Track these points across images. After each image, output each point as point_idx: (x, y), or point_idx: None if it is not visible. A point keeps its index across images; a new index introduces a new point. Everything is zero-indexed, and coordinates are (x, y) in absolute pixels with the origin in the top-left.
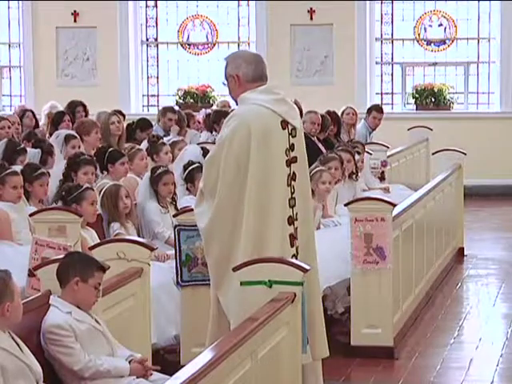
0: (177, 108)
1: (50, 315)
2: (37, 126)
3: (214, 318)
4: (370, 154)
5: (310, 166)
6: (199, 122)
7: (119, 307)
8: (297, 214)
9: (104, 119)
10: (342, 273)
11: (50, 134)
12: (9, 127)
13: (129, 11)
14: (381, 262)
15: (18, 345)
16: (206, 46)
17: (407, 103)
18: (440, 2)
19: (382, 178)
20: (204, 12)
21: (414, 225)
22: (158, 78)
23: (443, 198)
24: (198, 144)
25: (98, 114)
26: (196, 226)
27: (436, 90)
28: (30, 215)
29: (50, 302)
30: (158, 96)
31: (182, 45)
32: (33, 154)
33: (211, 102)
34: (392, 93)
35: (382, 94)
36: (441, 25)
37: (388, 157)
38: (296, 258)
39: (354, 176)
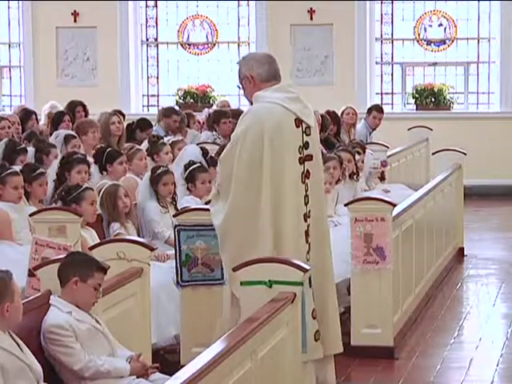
0: (177, 108)
1: (50, 315)
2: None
3: (226, 312)
4: (371, 154)
5: None
6: (199, 122)
7: (119, 307)
8: (310, 211)
9: (104, 119)
10: (342, 273)
11: (50, 134)
12: (9, 127)
13: (129, 11)
14: (381, 262)
15: (18, 345)
16: (206, 46)
17: (407, 103)
18: (440, 2)
19: (382, 178)
20: (204, 12)
21: (414, 225)
22: (158, 77)
23: (443, 198)
24: (198, 144)
25: (101, 114)
26: (196, 226)
27: (436, 89)
28: (30, 215)
29: (50, 301)
30: (158, 96)
31: (182, 45)
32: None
33: (211, 102)
34: (392, 93)
35: (382, 93)
36: (441, 25)
37: (388, 157)
38: (309, 255)
39: (354, 176)
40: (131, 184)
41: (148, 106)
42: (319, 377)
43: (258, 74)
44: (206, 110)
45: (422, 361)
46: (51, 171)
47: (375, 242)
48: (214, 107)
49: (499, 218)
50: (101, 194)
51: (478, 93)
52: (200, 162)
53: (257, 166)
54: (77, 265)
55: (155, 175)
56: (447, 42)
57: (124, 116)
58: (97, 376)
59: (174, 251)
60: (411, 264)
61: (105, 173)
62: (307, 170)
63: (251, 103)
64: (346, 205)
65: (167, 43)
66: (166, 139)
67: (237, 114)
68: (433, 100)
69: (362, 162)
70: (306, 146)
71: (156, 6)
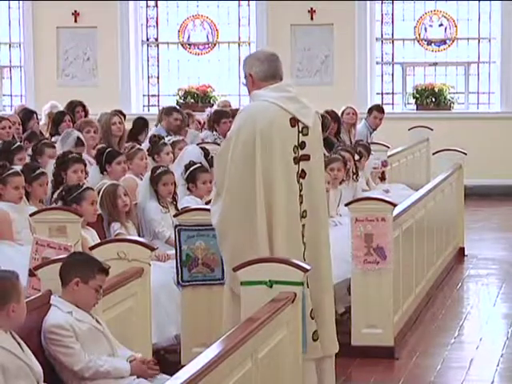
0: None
1: (50, 315)
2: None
3: (228, 310)
4: (371, 154)
5: None
6: (199, 122)
7: (120, 307)
8: (305, 211)
9: (105, 120)
10: (342, 273)
11: (51, 134)
12: (9, 127)
13: (129, 11)
14: (381, 262)
15: (19, 344)
16: (207, 46)
17: (408, 103)
18: (440, 2)
19: (382, 178)
20: (204, 12)
21: (414, 225)
22: (158, 77)
23: (443, 198)
24: (199, 144)
25: (101, 115)
26: (196, 226)
27: (436, 89)
28: (31, 215)
29: (50, 301)
30: (158, 96)
31: (182, 45)
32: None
33: (212, 102)
34: (392, 93)
35: (382, 93)
36: (441, 25)
37: (388, 157)
38: (304, 255)
39: (354, 176)
40: (131, 184)
41: (148, 105)
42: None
43: (256, 72)
44: (209, 109)
45: (422, 361)
46: (48, 171)
47: (376, 242)
48: (215, 107)
49: (500, 217)
50: (100, 194)
51: (478, 93)
52: (200, 162)
53: (249, 164)
54: (78, 265)
55: (155, 175)
56: (448, 41)
57: (125, 116)
58: (97, 376)
59: (174, 251)
60: (412, 264)
61: (105, 173)
62: (302, 170)
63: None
64: (346, 205)
65: (168, 43)
66: (166, 139)
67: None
68: (433, 100)
69: (365, 164)
70: (301, 145)
71: (156, 5)
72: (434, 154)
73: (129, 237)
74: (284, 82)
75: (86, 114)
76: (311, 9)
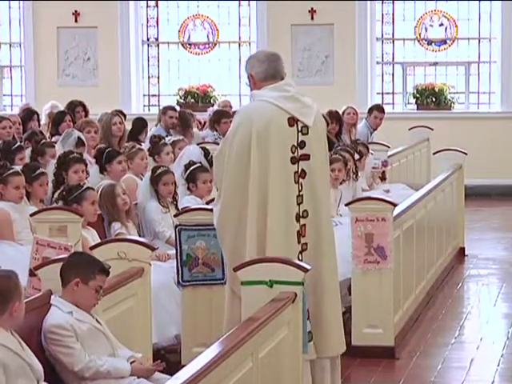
0: (178, 108)
1: (50, 315)
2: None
3: (229, 310)
4: (371, 153)
5: None
6: (200, 122)
7: (120, 307)
8: (305, 211)
9: (106, 120)
10: (342, 272)
11: (51, 134)
12: (10, 127)
13: (129, 11)
14: (381, 262)
15: (20, 343)
16: (207, 46)
17: (408, 103)
18: (441, 2)
19: (382, 178)
20: (205, 12)
21: (414, 225)
22: (158, 77)
23: (444, 198)
24: (199, 144)
25: (101, 115)
26: (197, 225)
27: (437, 89)
28: (31, 215)
29: (50, 301)
30: (158, 96)
31: (182, 44)
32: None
33: (212, 101)
34: (393, 93)
35: (382, 93)
36: (442, 24)
37: (389, 157)
38: (302, 255)
39: (354, 176)
40: (131, 184)
41: (149, 105)
42: (316, 378)
43: (257, 73)
44: (211, 109)
45: (422, 361)
46: (49, 171)
47: (376, 242)
48: (215, 107)
49: (500, 217)
50: (99, 196)
51: (478, 93)
52: (200, 162)
53: (245, 164)
54: (79, 266)
55: (155, 175)
56: (448, 41)
57: (125, 116)
58: (97, 376)
59: (174, 251)
60: (412, 264)
61: (105, 173)
62: (302, 170)
63: None
64: (346, 205)
65: (168, 43)
66: (167, 139)
67: None
68: (434, 100)
69: (365, 162)
70: (301, 145)
71: (157, 5)
72: (434, 153)
73: (129, 237)
74: (283, 82)
75: (87, 114)
76: (312, 9)
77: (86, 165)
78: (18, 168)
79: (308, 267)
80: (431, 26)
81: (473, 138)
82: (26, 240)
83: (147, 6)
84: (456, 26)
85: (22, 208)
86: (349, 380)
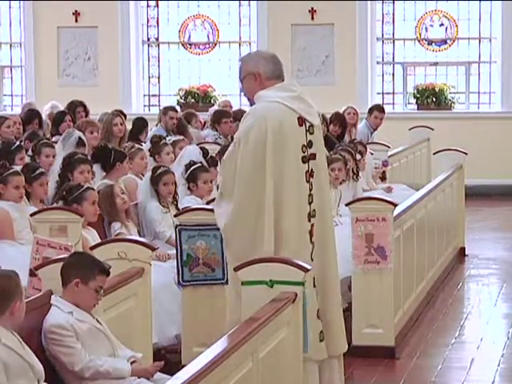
0: (179, 108)
1: (51, 315)
2: (40, 127)
3: (229, 312)
4: (371, 153)
5: None
6: (200, 122)
7: (120, 307)
8: (313, 210)
9: (107, 120)
10: (343, 272)
11: (51, 134)
12: (12, 126)
13: (130, 11)
14: (382, 262)
15: (20, 343)
16: (207, 46)
17: (408, 103)
18: (441, 2)
19: (383, 178)
20: (205, 12)
21: (415, 225)
22: (159, 77)
23: (444, 198)
24: (199, 144)
25: (101, 115)
26: (197, 225)
27: (437, 89)
28: (31, 215)
29: (51, 301)
30: (159, 96)
31: (183, 45)
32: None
33: (212, 101)
34: (393, 93)
35: (383, 93)
36: (442, 24)
37: (389, 157)
38: (312, 254)
39: (354, 176)
40: (130, 184)
41: (149, 105)
42: (324, 377)
43: (265, 71)
44: (211, 109)
45: (423, 361)
46: (54, 171)
47: (376, 242)
48: (216, 107)
49: (500, 217)
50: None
51: (479, 93)
52: (201, 162)
53: (260, 166)
54: (79, 266)
55: (156, 175)
56: (448, 41)
57: (125, 116)
58: (97, 376)
59: (175, 251)
60: (412, 264)
61: (104, 172)
62: (311, 169)
63: (250, 101)
64: (347, 205)
65: (168, 43)
66: (167, 139)
67: (238, 115)
68: (434, 100)
69: (365, 161)
70: (309, 144)
71: (157, 5)
72: (434, 153)
73: (129, 237)
74: (287, 82)
75: (87, 114)
76: (312, 9)
77: (92, 166)
78: (17, 168)
79: (309, 267)
80: (431, 25)
81: (473, 137)
82: (26, 239)
83: (147, 6)
84: (456, 26)
85: (21, 207)
86: (349, 380)
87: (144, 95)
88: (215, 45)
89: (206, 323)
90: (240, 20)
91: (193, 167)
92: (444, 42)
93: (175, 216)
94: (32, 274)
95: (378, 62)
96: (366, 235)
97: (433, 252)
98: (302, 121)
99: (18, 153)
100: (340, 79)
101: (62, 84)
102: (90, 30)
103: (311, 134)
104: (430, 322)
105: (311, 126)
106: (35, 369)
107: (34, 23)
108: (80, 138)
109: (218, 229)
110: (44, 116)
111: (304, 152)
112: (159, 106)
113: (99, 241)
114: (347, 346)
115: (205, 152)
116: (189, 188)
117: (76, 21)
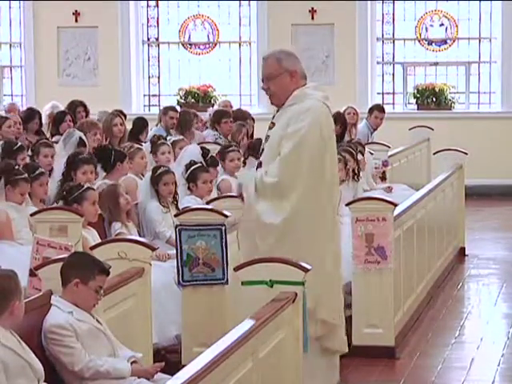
0: (179, 108)
1: (51, 315)
2: (40, 127)
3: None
4: (371, 153)
5: None
6: (202, 120)
7: (120, 307)
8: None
9: (107, 120)
10: (343, 275)
11: (52, 134)
12: (13, 126)
13: (130, 11)
14: (382, 262)
15: (19, 343)
16: (207, 46)
17: (408, 103)
18: (441, 2)
19: (383, 178)
20: (205, 12)
21: (415, 225)
22: (159, 77)
23: (444, 198)
24: (199, 144)
25: (99, 114)
26: (197, 225)
27: (437, 89)
28: (31, 215)
29: (51, 301)
30: (159, 96)
31: (183, 44)
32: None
33: (212, 101)
34: (393, 93)
35: (383, 93)
36: (442, 24)
37: (389, 157)
38: None
39: (355, 176)
40: (130, 183)
41: (149, 105)
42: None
43: (300, 69)
44: (211, 109)
45: (423, 361)
46: (58, 171)
47: (376, 242)
48: (216, 107)
49: (500, 217)
50: (99, 196)
51: (479, 92)
52: (201, 162)
53: (319, 166)
54: (79, 266)
55: (156, 175)
56: (448, 41)
57: (125, 116)
58: (97, 376)
59: (175, 251)
60: (412, 264)
61: (104, 173)
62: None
63: (276, 99)
64: (347, 205)
65: (168, 43)
66: (167, 139)
67: (238, 115)
68: (434, 100)
69: (365, 161)
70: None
71: (157, 5)
72: (434, 153)
73: (129, 237)
74: (313, 83)
75: (87, 114)
76: (312, 8)
77: (96, 166)
78: (26, 175)
79: (309, 267)
80: (432, 25)
81: (473, 137)
82: (26, 239)
83: (147, 6)
84: (456, 26)
85: (21, 207)
86: (349, 380)
87: (144, 95)
88: (215, 45)
89: (206, 323)
90: (240, 20)
91: (193, 167)
92: (444, 42)
93: (175, 216)
94: (32, 273)
95: (378, 62)
96: (366, 235)
97: (433, 252)
98: (334, 120)
99: (20, 153)
100: (340, 79)
101: (62, 84)
102: (90, 30)
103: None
104: (430, 321)
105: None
106: (35, 368)
107: (34, 23)
108: (81, 138)
109: (218, 229)
110: (44, 116)
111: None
112: (159, 106)
113: (99, 241)
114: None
115: (205, 152)
116: (189, 188)
117: (76, 21)
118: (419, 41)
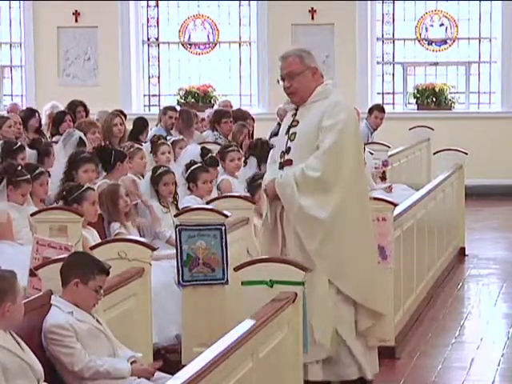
0: (178, 108)
1: (51, 315)
2: (40, 126)
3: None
4: (371, 153)
5: None
6: (203, 119)
7: (120, 307)
8: None
9: (107, 120)
10: None
11: (52, 134)
12: (13, 126)
13: (130, 11)
14: (382, 262)
15: (19, 344)
16: (207, 46)
17: (408, 103)
18: (441, 2)
19: (383, 178)
20: (205, 12)
21: (415, 225)
22: (159, 77)
23: (444, 198)
24: (200, 144)
25: (99, 113)
26: (197, 225)
27: (437, 89)
28: (32, 215)
29: (51, 301)
30: (159, 96)
31: (183, 44)
32: (29, 156)
33: (212, 101)
34: (393, 93)
35: (383, 93)
36: (442, 24)
37: (389, 157)
38: None
39: None
40: (129, 184)
41: (149, 105)
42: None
43: (319, 67)
44: (209, 109)
45: (423, 361)
46: (59, 170)
47: (376, 242)
48: (216, 107)
49: (500, 217)
50: (99, 195)
51: (479, 92)
52: (201, 162)
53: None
54: (78, 266)
55: (156, 175)
56: (448, 41)
57: (125, 116)
58: (97, 376)
59: (175, 251)
60: (412, 264)
61: (104, 173)
62: None
63: (297, 97)
64: None
65: (168, 43)
66: (168, 139)
67: (238, 115)
68: (434, 100)
69: (364, 161)
70: None
71: (157, 5)
72: (434, 153)
73: (129, 237)
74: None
75: (87, 114)
76: (312, 8)
77: (97, 165)
78: (28, 176)
79: (309, 267)
80: (431, 25)
81: (473, 137)
82: (26, 239)
83: (147, 6)
84: (456, 26)
85: (21, 207)
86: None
87: (144, 95)
88: (215, 45)
89: (206, 323)
90: (240, 20)
91: (193, 167)
92: (444, 42)
93: (175, 216)
94: (32, 273)
95: (378, 62)
96: None
97: (433, 252)
98: None
99: (20, 153)
100: (340, 79)
101: (62, 84)
102: (90, 30)
103: None
104: (430, 321)
105: None
106: (34, 369)
107: (34, 23)
108: (81, 138)
109: (218, 229)
110: (44, 116)
111: None
112: (159, 105)
113: (99, 241)
114: None
115: (204, 152)
116: (189, 188)
117: (76, 21)
118: (419, 41)
